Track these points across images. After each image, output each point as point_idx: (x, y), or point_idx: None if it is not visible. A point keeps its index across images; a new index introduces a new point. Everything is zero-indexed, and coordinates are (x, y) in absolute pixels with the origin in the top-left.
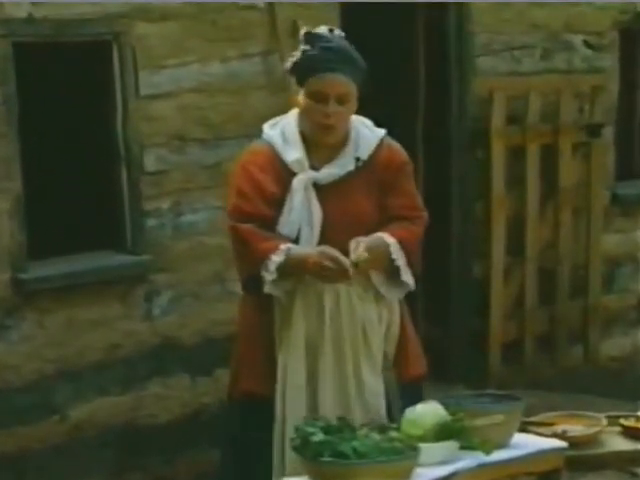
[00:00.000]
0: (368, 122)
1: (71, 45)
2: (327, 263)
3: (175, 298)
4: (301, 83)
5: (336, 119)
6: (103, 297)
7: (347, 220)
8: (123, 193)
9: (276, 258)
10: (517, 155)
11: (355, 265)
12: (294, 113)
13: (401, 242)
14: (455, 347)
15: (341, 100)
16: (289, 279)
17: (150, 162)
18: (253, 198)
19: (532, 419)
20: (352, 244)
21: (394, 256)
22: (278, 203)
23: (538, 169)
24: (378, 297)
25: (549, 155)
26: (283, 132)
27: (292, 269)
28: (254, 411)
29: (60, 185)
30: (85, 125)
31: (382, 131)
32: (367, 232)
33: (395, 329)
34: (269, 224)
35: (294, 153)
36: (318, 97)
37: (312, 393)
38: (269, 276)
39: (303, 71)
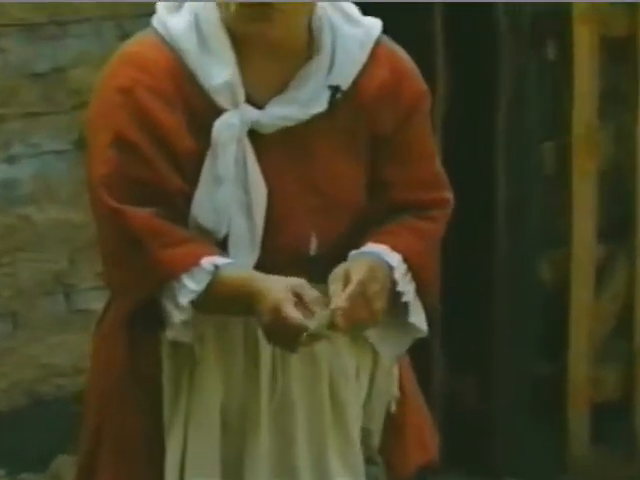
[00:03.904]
0: (351, 7)
1: None
2: (289, 318)
3: None
4: None
5: None
6: None
7: (313, 202)
8: None
9: (192, 284)
10: (620, 54)
11: (314, 336)
12: None
13: (410, 260)
14: (503, 412)
15: None
16: (210, 317)
17: None
18: (153, 157)
19: None
20: (332, 283)
21: (400, 288)
22: (194, 167)
23: None
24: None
25: None
26: (197, 24)
27: (220, 302)
28: None
29: None
30: None
31: (377, 28)
32: (350, 223)
33: (383, 385)
34: (181, 208)
35: (222, 71)
36: None
37: None
38: (178, 314)
39: None
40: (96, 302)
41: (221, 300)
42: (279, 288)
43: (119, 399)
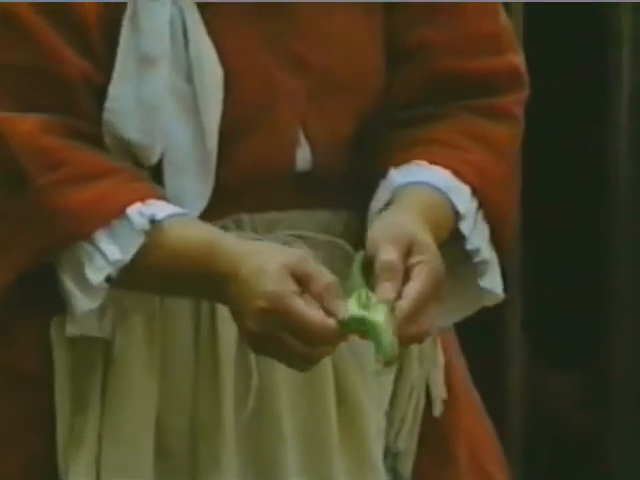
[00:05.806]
0: None
1: None
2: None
3: None
4: None
5: None
6: None
7: (299, 85)
8: None
9: (113, 249)
10: None
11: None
12: None
13: (482, 191)
14: (623, 423)
15: None
16: (139, 296)
17: None
18: (37, 25)
19: None
20: (383, 271)
21: (471, 245)
22: (106, 43)
23: None
24: None
25: None
26: None
27: (159, 281)
28: None
29: None
30: None
31: None
32: (361, 118)
33: (416, 380)
34: (88, 111)
35: None
36: None
37: None
38: (85, 300)
39: None
40: None
41: (161, 277)
42: (275, 272)
43: None
